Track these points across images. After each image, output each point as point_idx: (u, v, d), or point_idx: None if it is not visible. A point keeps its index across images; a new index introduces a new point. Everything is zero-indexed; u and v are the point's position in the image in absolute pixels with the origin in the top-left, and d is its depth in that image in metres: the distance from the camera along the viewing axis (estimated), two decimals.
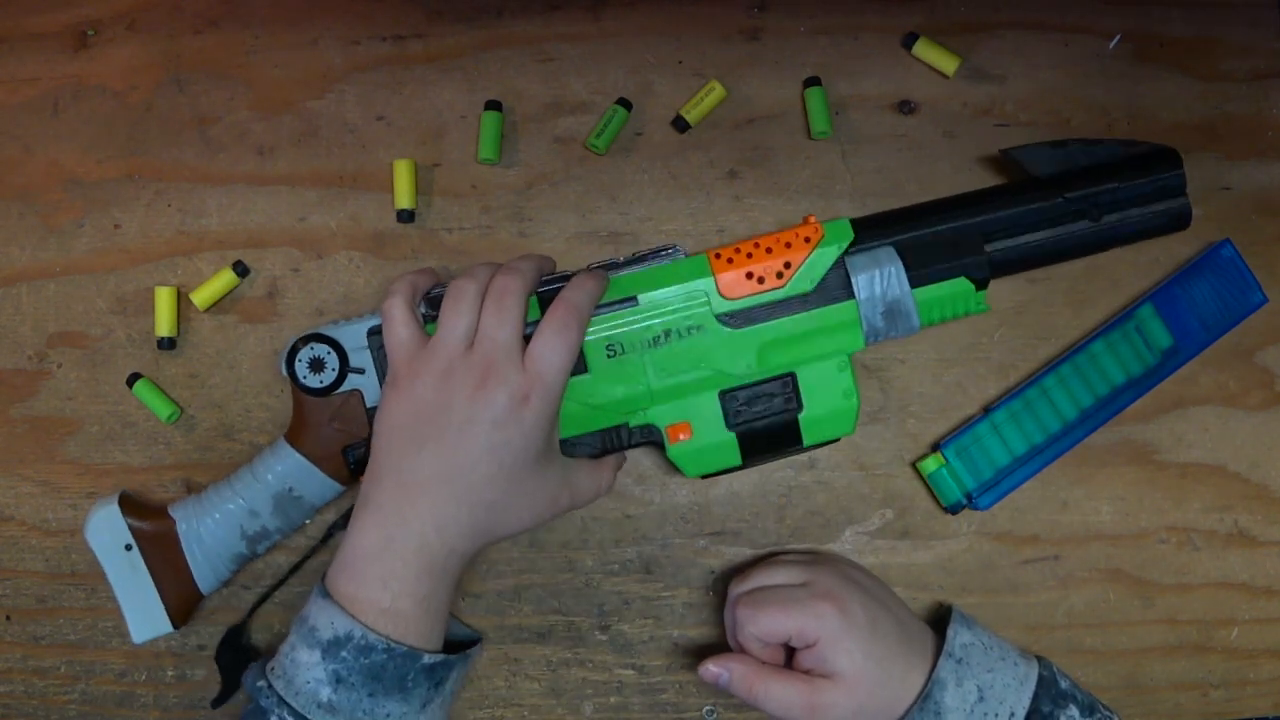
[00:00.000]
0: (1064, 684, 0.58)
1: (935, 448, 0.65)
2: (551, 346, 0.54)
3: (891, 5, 0.68)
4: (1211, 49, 0.68)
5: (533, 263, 0.57)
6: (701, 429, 0.59)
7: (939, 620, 0.61)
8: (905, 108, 0.67)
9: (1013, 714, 0.56)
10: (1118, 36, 0.68)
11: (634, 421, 0.59)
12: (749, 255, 0.59)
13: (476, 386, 0.53)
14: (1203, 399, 0.66)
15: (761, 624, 0.57)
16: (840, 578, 0.59)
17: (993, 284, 0.66)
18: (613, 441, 0.59)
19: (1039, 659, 0.59)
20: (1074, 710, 0.57)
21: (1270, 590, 0.65)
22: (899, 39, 0.67)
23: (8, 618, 0.66)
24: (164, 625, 0.61)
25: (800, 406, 0.59)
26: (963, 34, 0.68)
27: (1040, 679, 0.57)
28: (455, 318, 0.54)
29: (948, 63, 0.67)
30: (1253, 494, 0.66)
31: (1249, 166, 0.67)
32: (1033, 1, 0.68)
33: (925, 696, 0.55)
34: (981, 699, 0.56)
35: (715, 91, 0.67)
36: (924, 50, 0.67)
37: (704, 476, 0.60)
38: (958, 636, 0.58)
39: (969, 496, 0.64)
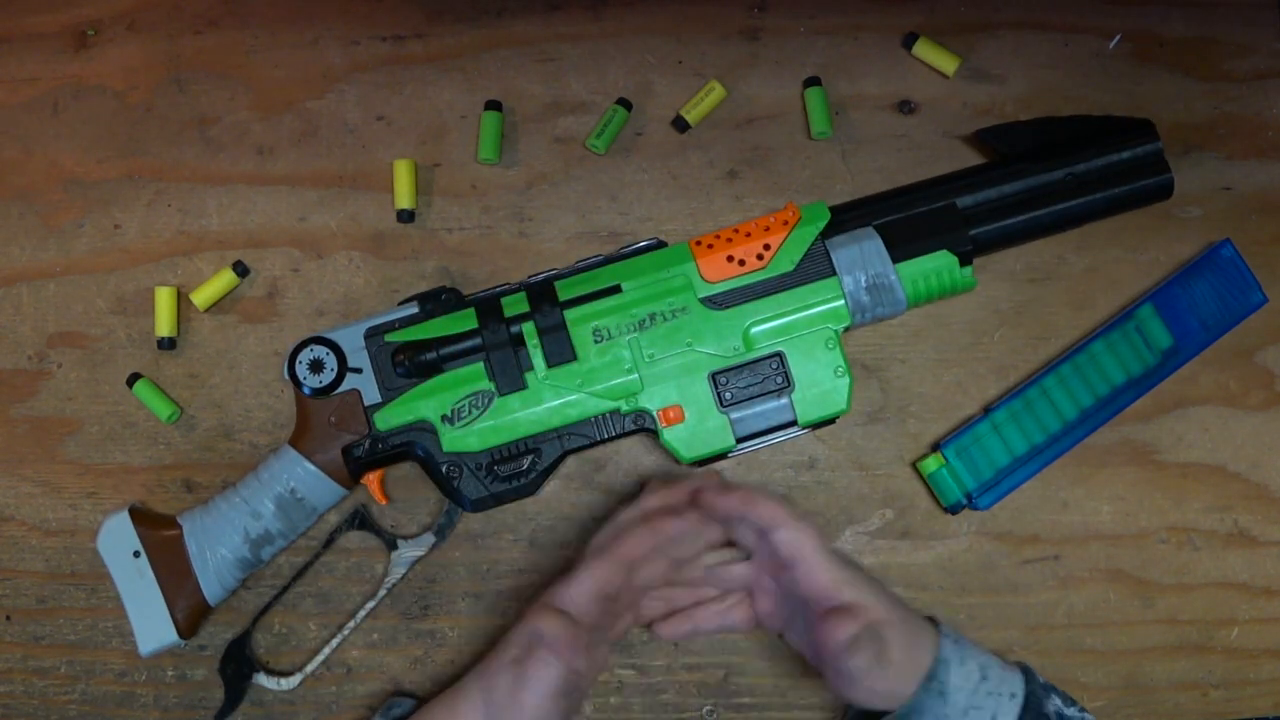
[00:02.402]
0: (1042, 679, 0.59)
1: (935, 448, 0.65)
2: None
3: (891, 5, 0.68)
4: (1211, 49, 0.68)
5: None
6: (693, 411, 0.60)
7: None
8: (905, 108, 0.67)
9: (1013, 695, 0.56)
10: (1118, 36, 0.68)
11: (626, 408, 0.60)
12: (729, 240, 0.61)
13: None
14: (1203, 399, 0.66)
15: (761, 511, 0.55)
16: None
17: (993, 284, 0.66)
18: (606, 429, 0.60)
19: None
20: (1057, 700, 0.57)
21: (1270, 590, 0.65)
22: (899, 39, 0.67)
23: (8, 618, 0.66)
24: (170, 635, 0.61)
25: (791, 385, 0.60)
26: (963, 34, 0.68)
27: (1024, 669, 0.58)
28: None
29: (948, 63, 0.67)
30: (1253, 494, 0.66)
31: (1249, 166, 0.67)
32: (1033, 1, 0.68)
33: (931, 676, 0.55)
34: (985, 678, 0.56)
35: (715, 91, 0.67)
36: (924, 50, 0.67)
37: (699, 463, 0.60)
38: (946, 624, 0.58)
39: (969, 496, 0.64)
